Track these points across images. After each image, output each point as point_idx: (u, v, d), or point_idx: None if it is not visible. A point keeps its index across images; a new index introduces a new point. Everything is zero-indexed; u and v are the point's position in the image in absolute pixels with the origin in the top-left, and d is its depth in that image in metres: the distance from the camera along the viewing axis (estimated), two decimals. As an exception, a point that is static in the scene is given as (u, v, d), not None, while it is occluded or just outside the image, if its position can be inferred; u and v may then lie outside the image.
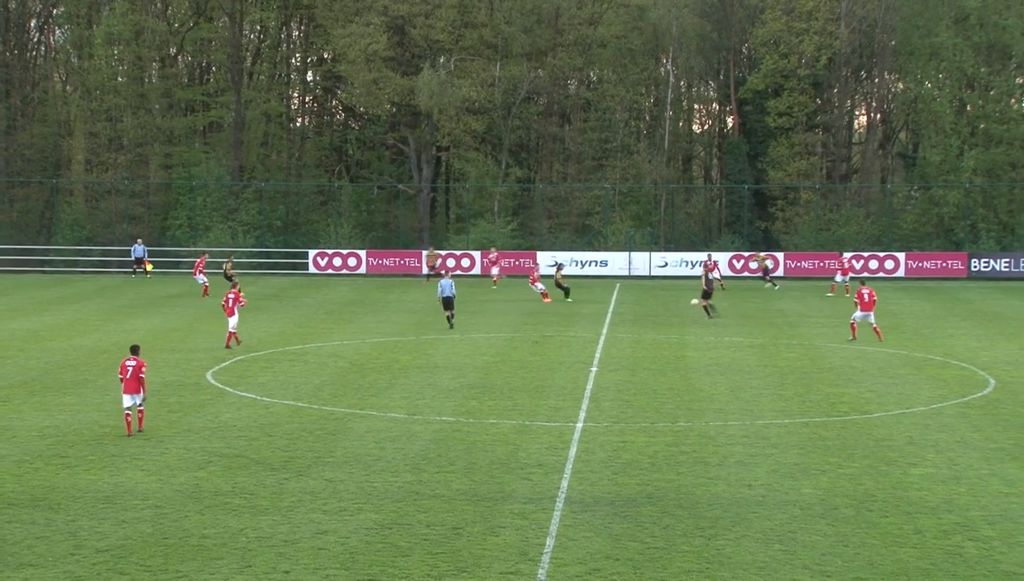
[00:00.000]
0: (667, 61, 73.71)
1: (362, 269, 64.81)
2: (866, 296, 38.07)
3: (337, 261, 65.35)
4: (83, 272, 64.94)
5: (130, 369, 24.20)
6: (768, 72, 68.84)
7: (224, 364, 33.55)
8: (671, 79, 72.80)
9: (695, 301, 45.64)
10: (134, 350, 24.85)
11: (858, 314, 38.40)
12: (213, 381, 30.93)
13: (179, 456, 22.77)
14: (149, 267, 61.23)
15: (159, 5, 73.73)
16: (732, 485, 20.75)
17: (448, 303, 40.90)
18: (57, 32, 78.88)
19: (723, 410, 27.35)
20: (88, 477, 21.13)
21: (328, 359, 34.56)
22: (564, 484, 20.89)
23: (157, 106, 72.14)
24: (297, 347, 37.04)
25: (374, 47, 67.88)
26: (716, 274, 52.06)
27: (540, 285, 50.74)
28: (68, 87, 76.69)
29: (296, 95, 79.91)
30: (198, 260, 53.53)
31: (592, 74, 76.15)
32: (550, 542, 17.76)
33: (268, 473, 21.57)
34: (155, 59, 72.99)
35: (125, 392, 24.35)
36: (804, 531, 18.26)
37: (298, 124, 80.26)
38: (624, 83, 72.39)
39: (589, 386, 30.35)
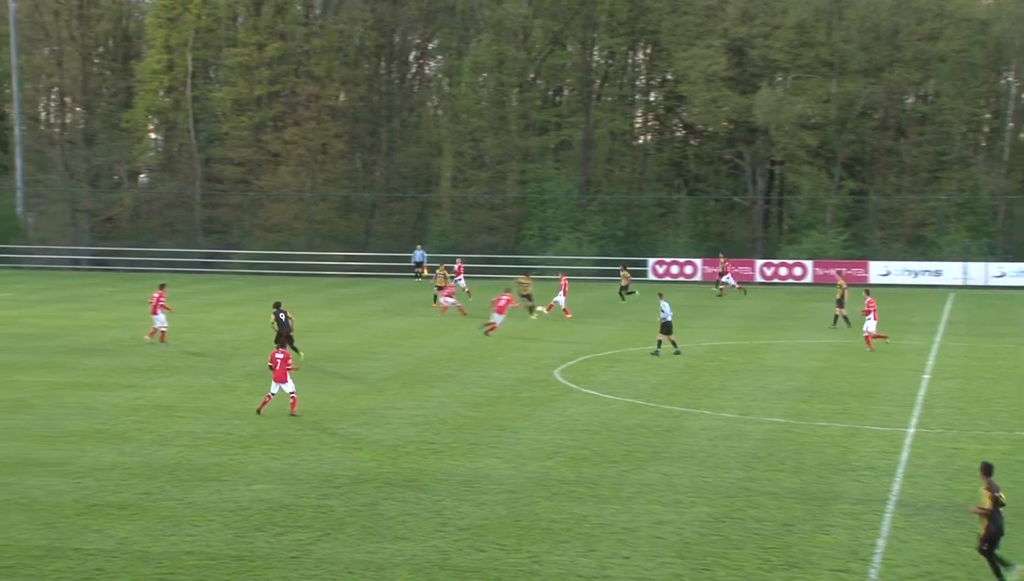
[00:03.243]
0: (1010, 73, 69.29)
1: (697, 277, 64.49)
2: None
3: (674, 269, 65.35)
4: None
5: (279, 361, 26.12)
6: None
7: (570, 363, 34.25)
8: (1012, 90, 68.34)
9: None
10: (281, 343, 27.95)
11: None
12: (560, 378, 31.64)
13: (530, 446, 23.45)
14: (424, 273, 63.25)
15: (520, 36, 76.15)
16: (1070, 498, 19.32)
17: (667, 328, 35.59)
18: (431, 63, 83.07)
19: (1061, 422, 25.48)
20: (451, 462, 22.11)
21: (665, 360, 34.61)
22: (895, 487, 20.07)
23: (515, 127, 74.52)
24: (635, 348, 37.33)
25: (714, 68, 67.45)
26: None
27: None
28: (439, 111, 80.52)
29: (639, 114, 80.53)
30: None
31: (929, 88, 72.58)
32: (881, 543, 17.12)
33: (609, 465, 21.88)
34: (515, 84, 75.45)
35: (275, 381, 26.15)
36: None
37: (640, 141, 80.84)
38: (963, 96, 68.59)
39: (921, 393, 28.98)
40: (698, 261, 65.16)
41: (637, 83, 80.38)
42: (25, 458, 21.88)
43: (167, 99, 77.79)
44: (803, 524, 18.06)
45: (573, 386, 30.38)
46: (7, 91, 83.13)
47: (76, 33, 78.55)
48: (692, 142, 79.05)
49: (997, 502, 15.24)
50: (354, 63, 76.84)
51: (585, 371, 32.80)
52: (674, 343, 35.94)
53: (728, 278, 56.77)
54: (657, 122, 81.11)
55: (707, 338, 39.71)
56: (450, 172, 73.49)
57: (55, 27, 79.24)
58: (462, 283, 52.76)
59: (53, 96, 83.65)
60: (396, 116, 77.33)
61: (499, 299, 40.29)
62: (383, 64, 79.45)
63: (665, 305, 36.12)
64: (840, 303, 41.94)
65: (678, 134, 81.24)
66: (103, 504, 19.00)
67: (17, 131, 78.35)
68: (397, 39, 79.30)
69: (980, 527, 15.47)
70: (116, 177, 79.95)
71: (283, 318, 33.76)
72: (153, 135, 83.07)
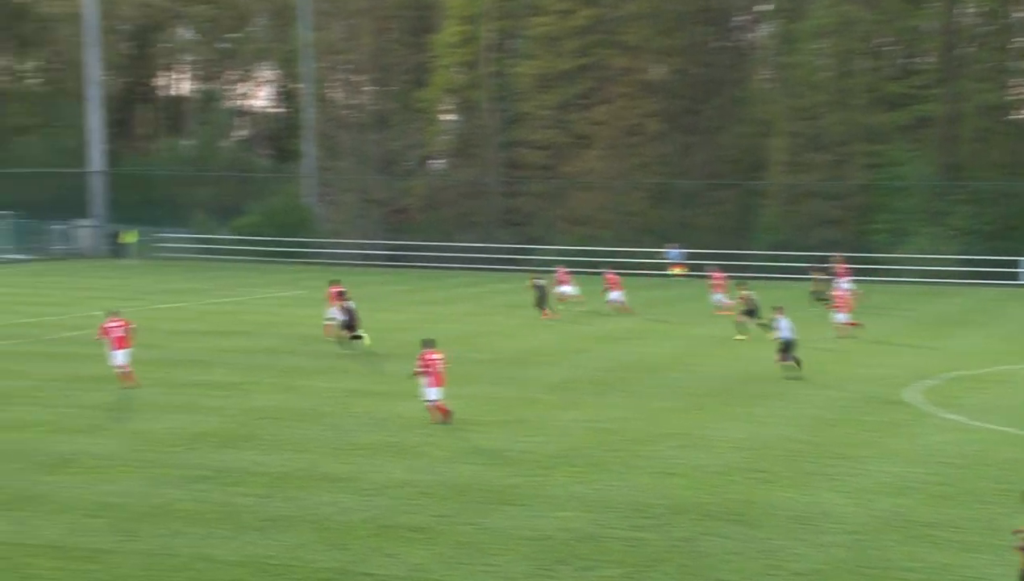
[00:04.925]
0: None
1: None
2: None
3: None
4: (782, 278, 66.80)
5: (433, 363, 27.40)
6: None
7: (924, 382, 33.03)
8: None
9: None
10: (428, 343, 28.06)
11: None
12: (913, 400, 30.57)
13: (877, 479, 22.77)
14: (676, 271, 61.94)
15: (868, -7, 74.05)
16: None
17: (789, 346, 34.42)
18: (762, 28, 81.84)
19: None
20: (782, 494, 21.78)
21: (1047, 383, 32.85)
22: None
23: (861, 102, 72.42)
24: (1008, 367, 35.53)
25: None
26: None
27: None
28: (770, 84, 79.28)
29: (1017, 84, 76.54)
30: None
31: None
32: None
33: (980, 506, 20.95)
34: (862, 51, 73.37)
35: (432, 386, 27.45)
36: None
37: (1019, 116, 76.82)
38: None
39: None
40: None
41: (1012, 46, 76.39)
42: (315, 472, 23.16)
43: (464, 76, 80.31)
44: None
45: (929, 409, 29.29)
46: (296, 71, 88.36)
47: (370, 4, 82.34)
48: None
49: None
50: (672, 31, 76.86)
51: (945, 392, 31.55)
52: (798, 363, 34.25)
53: None
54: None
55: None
56: (782, 155, 72.25)
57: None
58: (568, 290, 51.54)
59: (343, 75, 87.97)
60: (719, 91, 76.79)
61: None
62: (705, 31, 79.06)
63: (783, 322, 34.55)
64: None
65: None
66: (395, 525, 19.85)
67: (308, 114, 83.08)
68: (721, 2, 78.79)
69: None
70: (409, 163, 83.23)
71: (351, 307, 38.63)
72: (448, 116, 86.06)
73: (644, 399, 30.85)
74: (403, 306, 52.47)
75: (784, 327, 34.52)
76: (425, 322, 45.98)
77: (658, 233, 70.99)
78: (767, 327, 39.10)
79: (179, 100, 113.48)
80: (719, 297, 49.12)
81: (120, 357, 31.94)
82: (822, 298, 49.54)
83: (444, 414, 27.78)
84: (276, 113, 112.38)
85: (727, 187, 74.23)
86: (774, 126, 73.01)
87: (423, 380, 27.91)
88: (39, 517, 19.98)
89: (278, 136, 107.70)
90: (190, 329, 43.88)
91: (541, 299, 48.27)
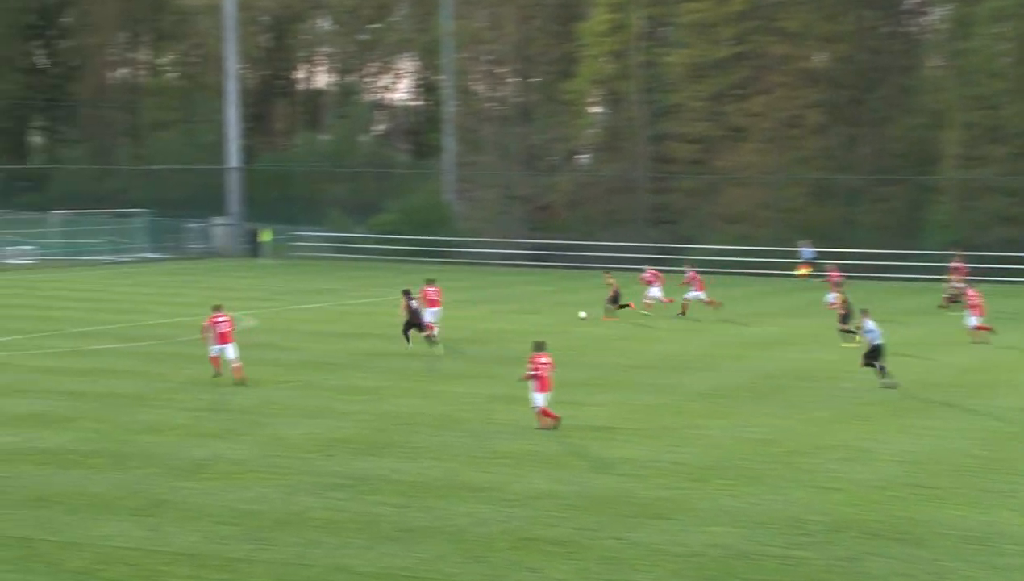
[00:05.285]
0: None
1: None
2: None
3: None
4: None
5: (541, 367, 27.61)
6: None
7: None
8: None
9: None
10: (539, 346, 28.13)
11: None
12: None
13: (1059, 499, 22.21)
14: (804, 271, 60.67)
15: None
16: None
17: (877, 352, 33.65)
18: (935, 12, 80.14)
19: None
20: (953, 512, 21.35)
21: None
22: None
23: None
24: None
25: None
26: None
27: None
28: (944, 72, 77.57)
29: None
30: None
31: None
32: None
33: None
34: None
35: (539, 391, 27.64)
36: None
37: None
38: None
39: None
40: None
41: None
42: (454, 481, 23.40)
43: (612, 66, 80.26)
44: None
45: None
46: (437, 62, 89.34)
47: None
48: None
49: None
50: (836, 16, 75.80)
51: None
52: (882, 370, 33.44)
53: None
54: None
55: None
56: (956, 148, 70.65)
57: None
58: (656, 293, 50.60)
59: (486, 66, 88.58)
60: (887, 80, 75.40)
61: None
62: (872, 16, 77.68)
63: (871, 325, 33.77)
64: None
65: None
66: (536, 538, 19.95)
67: (448, 107, 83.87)
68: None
69: None
70: (553, 158, 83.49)
71: (414, 305, 39.47)
72: (595, 108, 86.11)
73: (801, 408, 30.51)
74: (546, 308, 52.64)
75: (872, 330, 33.99)
76: (567, 325, 46.09)
77: (817, 232, 69.90)
78: (852, 333, 38.62)
79: (317, 94, 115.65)
80: (833, 297, 48.95)
81: (230, 352, 33.89)
82: (955, 300, 48.80)
83: (552, 419, 27.95)
84: (416, 106, 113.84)
85: (895, 183, 72.87)
86: (947, 117, 71.34)
87: (531, 385, 28.07)
88: (173, 524, 20.54)
89: (417, 130, 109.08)
90: (326, 331, 44.65)
91: (614, 298, 48.10)
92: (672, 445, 26.48)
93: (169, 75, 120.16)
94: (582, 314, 47.49)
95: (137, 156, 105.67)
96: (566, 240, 74.86)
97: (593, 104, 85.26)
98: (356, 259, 76.66)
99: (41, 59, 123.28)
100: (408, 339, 39.77)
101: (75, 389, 32.60)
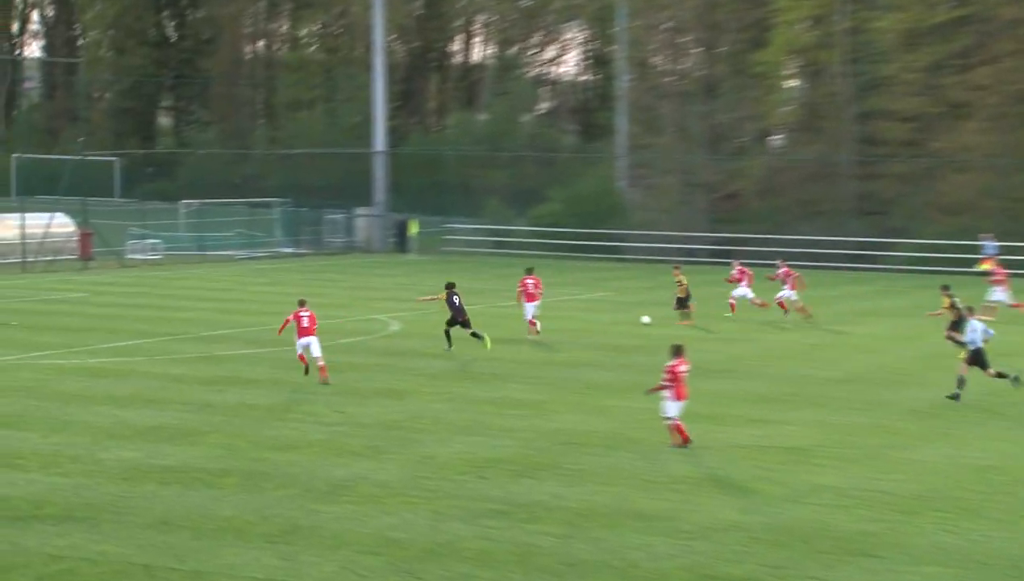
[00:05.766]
0: None
1: None
2: None
3: None
4: None
5: (680, 375, 27.74)
6: None
7: None
8: None
9: None
10: (677, 350, 28.07)
11: None
12: None
13: None
14: (985, 266, 59.01)
15: None
16: None
17: (978, 356, 33.28)
18: None
19: None
20: None
21: None
22: None
23: None
24: None
25: None
26: None
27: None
28: None
29: None
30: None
31: None
32: None
33: None
34: None
35: (674, 400, 27.66)
36: None
37: None
38: None
39: None
40: None
41: None
42: (623, 508, 23.34)
43: (811, 33, 79.29)
44: None
45: None
46: (609, 31, 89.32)
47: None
48: None
49: None
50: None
51: None
52: (1000, 374, 33.01)
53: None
54: None
55: None
56: None
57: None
58: (745, 293, 49.87)
59: (664, 35, 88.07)
60: None
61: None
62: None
63: (977, 324, 33.25)
64: None
65: None
66: (718, 576, 19.79)
67: (621, 82, 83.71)
68: None
69: None
70: (742, 139, 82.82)
71: (456, 302, 40.52)
72: (791, 82, 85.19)
73: (1033, 431, 29.82)
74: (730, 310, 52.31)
75: (977, 332, 33.48)
76: (753, 330, 45.67)
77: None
78: (958, 341, 38.12)
79: (473, 68, 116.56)
80: (999, 295, 48.95)
81: (315, 348, 35.56)
82: None
83: (683, 439, 27.88)
84: (584, 82, 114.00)
85: None
86: None
87: (665, 394, 27.98)
88: (310, 551, 20.85)
89: (586, 109, 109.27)
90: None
91: (684, 300, 47.49)
92: (877, 471, 26.08)
93: (310, 48, 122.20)
94: (645, 318, 46.96)
95: (273, 139, 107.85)
96: (755, 234, 74.06)
97: (789, 77, 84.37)
98: (514, 255, 76.96)
99: (170, 31, 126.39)
100: (449, 340, 40.94)
101: (203, 400, 33.33)
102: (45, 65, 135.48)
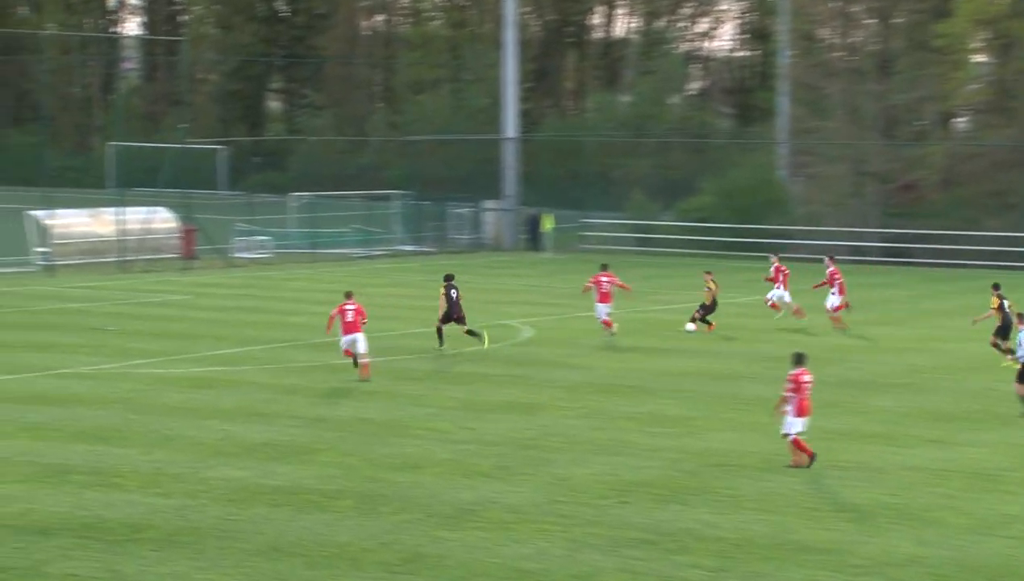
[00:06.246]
0: None
1: None
2: None
3: None
4: None
5: (803, 385, 27.69)
6: None
7: None
8: None
9: None
10: (799, 359, 28.08)
11: None
12: None
13: None
14: None
15: None
16: None
17: None
18: None
19: None
20: None
21: None
22: None
23: None
24: None
25: None
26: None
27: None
28: None
29: None
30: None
31: None
32: None
33: None
34: None
35: (800, 415, 27.56)
36: None
37: None
38: None
39: None
40: None
41: None
42: (785, 539, 23.21)
43: (1001, 2, 78.04)
44: None
45: None
46: (768, 1, 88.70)
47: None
48: None
49: None
50: None
51: None
52: None
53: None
54: None
55: None
56: None
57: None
58: (781, 295, 49.38)
59: (833, 4, 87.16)
60: None
61: None
62: None
63: None
64: None
65: None
66: (891, 616, 19.68)
67: (783, 58, 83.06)
68: None
69: None
70: (922, 123, 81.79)
71: (454, 296, 41.78)
72: (979, 57, 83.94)
73: None
74: (906, 318, 51.75)
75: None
76: (933, 339, 45.20)
77: None
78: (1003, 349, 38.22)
79: (616, 44, 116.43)
80: None
81: (360, 344, 37.61)
82: None
83: (807, 456, 27.76)
84: (741, 59, 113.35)
85: None
86: None
87: (786, 407, 27.82)
88: (433, 582, 21.04)
89: (743, 89, 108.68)
90: (622, 344, 44.85)
91: (710, 307, 47.17)
92: (1077, 501, 25.73)
93: (433, 23, 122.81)
94: (690, 326, 46.58)
95: (392, 125, 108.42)
96: (936, 230, 73.17)
97: (976, 51, 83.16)
98: (661, 253, 76.76)
99: (281, 5, 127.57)
100: (441, 338, 42.26)
101: (316, 414, 33.69)
102: (144, 44, 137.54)
